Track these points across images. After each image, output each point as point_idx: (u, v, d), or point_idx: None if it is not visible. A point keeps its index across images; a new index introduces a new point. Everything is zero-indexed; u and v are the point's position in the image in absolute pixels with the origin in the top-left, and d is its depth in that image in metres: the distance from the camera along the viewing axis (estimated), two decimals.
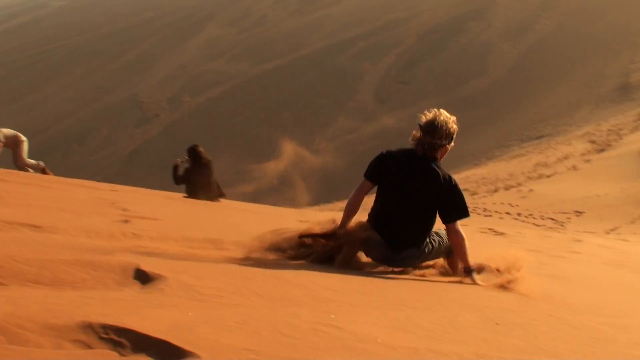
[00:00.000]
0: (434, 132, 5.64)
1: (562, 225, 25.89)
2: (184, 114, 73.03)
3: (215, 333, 3.18)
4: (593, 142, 39.80)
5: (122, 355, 2.87)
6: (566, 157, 36.99)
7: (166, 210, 9.15)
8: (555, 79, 62.21)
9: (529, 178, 35.17)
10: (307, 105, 68.55)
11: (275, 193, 52.93)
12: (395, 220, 5.80)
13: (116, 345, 2.93)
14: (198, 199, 12.43)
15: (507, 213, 28.68)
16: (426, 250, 5.94)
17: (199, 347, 2.91)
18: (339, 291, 4.69)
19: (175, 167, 12.93)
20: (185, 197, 12.82)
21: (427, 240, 5.93)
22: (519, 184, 33.81)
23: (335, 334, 3.47)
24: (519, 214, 28.47)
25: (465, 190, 33.53)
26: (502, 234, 16.61)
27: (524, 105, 58.31)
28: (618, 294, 7.05)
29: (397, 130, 61.62)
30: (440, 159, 5.80)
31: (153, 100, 76.89)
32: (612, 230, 23.07)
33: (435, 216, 5.92)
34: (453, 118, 5.73)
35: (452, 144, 5.83)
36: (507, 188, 33.32)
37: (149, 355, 2.86)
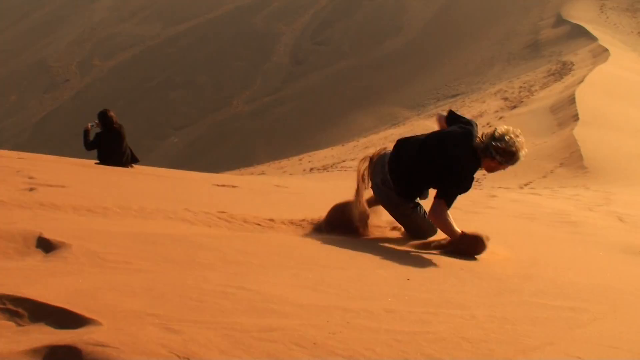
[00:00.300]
0: (508, 158, 5.55)
1: (479, 182, 26.45)
2: (95, 79, 70.88)
3: (119, 299, 3.09)
4: (506, 99, 40.64)
5: (19, 325, 2.79)
6: (481, 115, 37.66)
7: (75, 178, 8.84)
8: (467, 38, 63.16)
9: None
10: (223, 68, 67.64)
11: (196, 157, 52.40)
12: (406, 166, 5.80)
13: (13, 315, 2.86)
14: (110, 165, 12.10)
15: None
16: (404, 211, 5.96)
17: (100, 313, 2.82)
18: (252, 253, 4.64)
19: (86, 132, 12.52)
20: (97, 163, 12.46)
21: (413, 203, 5.95)
22: None
23: (244, 295, 3.41)
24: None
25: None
26: None
27: (438, 64, 59.05)
28: (527, 246, 7.22)
29: (315, 92, 61.68)
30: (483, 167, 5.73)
31: (62, 65, 74.24)
32: (525, 185, 23.64)
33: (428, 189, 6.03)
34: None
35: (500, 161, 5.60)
36: None
37: (47, 324, 2.78)
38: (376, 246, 5.70)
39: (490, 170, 5.68)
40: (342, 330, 3.02)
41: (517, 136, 5.53)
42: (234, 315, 3.05)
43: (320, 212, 6.33)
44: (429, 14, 71.91)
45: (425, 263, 5.19)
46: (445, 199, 5.62)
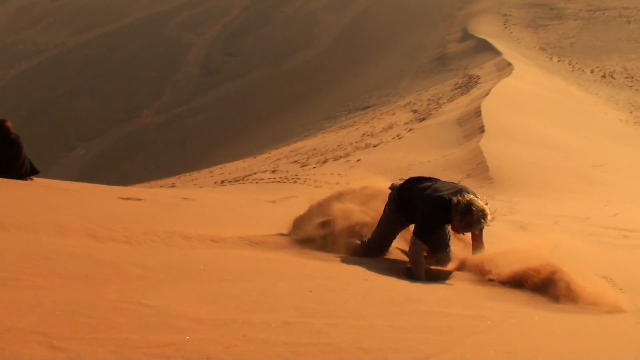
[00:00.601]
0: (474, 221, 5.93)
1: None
2: None
3: (3, 317, 2.94)
4: (415, 111, 41.40)
5: None
6: (391, 127, 38.25)
7: None
8: (378, 51, 64.12)
9: (357, 148, 36.03)
10: (132, 78, 66.35)
11: (105, 170, 51.08)
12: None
13: None
14: (7, 177, 11.61)
15: (337, 183, 29.17)
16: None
17: None
18: (152, 268, 4.53)
19: None
20: None
21: None
22: (347, 154, 34.55)
23: (140, 311, 3.32)
24: (348, 184, 28.99)
25: (296, 162, 33.94)
26: None
27: (349, 77, 59.68)
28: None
29: (226, 103, 61.28)
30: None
31: None
32: None
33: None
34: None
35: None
36: (336, 158, 33.96)
37: None
38: (281, 259, 5.67)
39: (455, 229, 6.11)
40: (238, 344, 2.98)
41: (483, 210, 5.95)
42: (127, 332, 2.96)
43: (226, 226, 6.26)
44: (339, 26, 72.64)
45: (328, 275, 5.19)
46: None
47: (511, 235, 10.49)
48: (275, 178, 28.13)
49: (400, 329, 3.62)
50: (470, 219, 5.82)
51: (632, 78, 52.04)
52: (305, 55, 67.35)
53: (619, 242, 9.65)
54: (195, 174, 37.12)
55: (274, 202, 15.89)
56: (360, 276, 5.20)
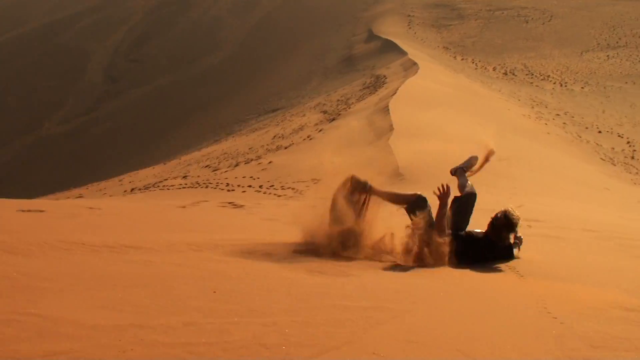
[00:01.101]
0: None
1: (301, 194, 26.73)
2: None
3: None
4: (325, 112, 41.62)
5: None
6: (301, 128, 38.34)
7: None
8: (285, 53, 64.24)
9: (268, 150, 35.94)
10: (32, 87, 64.22)
11: (7, 183, 49.14)
12: None
13: None
14: None
15: (250, 186, 29.03)
16: None
17: None
18: (47, 278, 4.36)
19: None
20: None
21: None
22: (259, 157, 34.42)
23: (32, 321, 3.18)
24: (260, 186, 28.92)
25: (207, 166, 33.57)
26: (241, 206, 16.75)
27: (258, 80, 59.54)
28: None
29: (133, 110, 60.11)
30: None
31: None
32: None
33: None
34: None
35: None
36: (247, 162, 33.77)
37: None
38: (185, 262, 5.56)
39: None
40: (135, 348, 2.88)
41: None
42: (15, 343, 2.82)
43: (132, 233, 6.11)
44: (245, 30, 72.35)
45: (234, 275, 5.12)
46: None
47: None
48: (186, 184, 27.73)
49: (303, 324, 3.59)
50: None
51: (532, 75, 53.95)
52: (212, 60, 66.79)
53: (523, 232, 9.89)
54: (103, 184, 36.20)
55: (184, 207, 15.62)
56: (267, 275, 5.14)
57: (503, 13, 68.26)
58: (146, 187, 29.75)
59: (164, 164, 39.86)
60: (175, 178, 29.56)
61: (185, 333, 3.21)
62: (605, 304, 4.99)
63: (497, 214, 6.91)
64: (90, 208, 13.27)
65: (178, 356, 2.85)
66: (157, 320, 3.40)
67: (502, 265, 6.49)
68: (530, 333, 4.14)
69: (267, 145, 37.51)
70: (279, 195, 26.41)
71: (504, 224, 6.82)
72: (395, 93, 36.10)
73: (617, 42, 62.85)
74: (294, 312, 3.88)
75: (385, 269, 6.06)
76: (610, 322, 4.47)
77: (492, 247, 6.79)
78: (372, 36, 60.31)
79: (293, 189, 27.63)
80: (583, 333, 4.17)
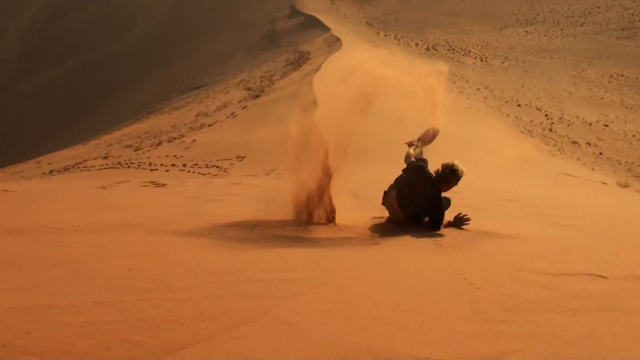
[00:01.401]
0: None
1: (226, 172, 26.51)
2: None
3: None
4: (249, 89, 41.32)
5: None
6: (225, 105, 37.98)
7: None
8: (206, 29, 63.34)
9: (192, 128, 35.48)
10: None
11: None
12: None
13: None
14: None
15: (173, 165, 28.62)
16: None
17: None
18: None
19: None
20: None
21: None
22: (182, 135, 33.93)
23: None
24: (184, 165, 28.55)
25: (129, 146, 32.92)
26: (163, 185, 16.50)
27: (179, 57, 58.58)
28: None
29: (49, 89, 58.28)
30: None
31: None
32: (271, 171, 24.10)
33: None
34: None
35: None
36: (170, 140, 33.25)
37: None
38: (101, 242, 5.42)
39: (447, 189, 7.47)
40: (41, 329, 2.78)
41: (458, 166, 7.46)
42: None
43: (42, 215, 5.93)
44: (165, 5, 70.92)
45: (150, 253, 5.02)
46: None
47: (347, 201, 10.72)
48: (107, 164, 27.12)
49: (219, 297, 3.55)
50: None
51: (454, 50, 54.76)
52: (131, 37, 65.30)
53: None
54: (20, 166, 35.07)
55: (104, 187, 15.28)
56: (183, 252, 5.06)
57: None
58: (65, 169, 28.99)
59: (84, 144, 38.87)
60: (95, 159, 28.87)
61: (94, 312, 3.12)
62: (519, 269, 5.12)
63: (443, 165, 7.51)
64: (4, 191, 12.84)
65: (87, 335, 2.76)
66: (66, 300, 3.30)
67: (422, 236, 6.59)
68: (447, 300, 4.20)
69: (191, 123, 37.01)
70: (204, 174, 26.12)
71: (448, 174, 7.40)
72: (319, 69, 36.09)
73: (535, 18, 64.39)
74: (210, 287, 3.82)
75: (307, 241, 6.07)
76: (523, 286, 4.58)
77: (430, 195, 7.38)
78: (295, 12, 60.05)
79: (218, 167, 27.38)
80: (497, 297, 4.26)
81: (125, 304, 3.29)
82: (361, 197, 11.70)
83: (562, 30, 61.53)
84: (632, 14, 65.24)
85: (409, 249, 5.93)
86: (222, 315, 3.24)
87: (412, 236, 6.59)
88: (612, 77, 51.22)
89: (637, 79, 50.86)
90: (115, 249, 5.11)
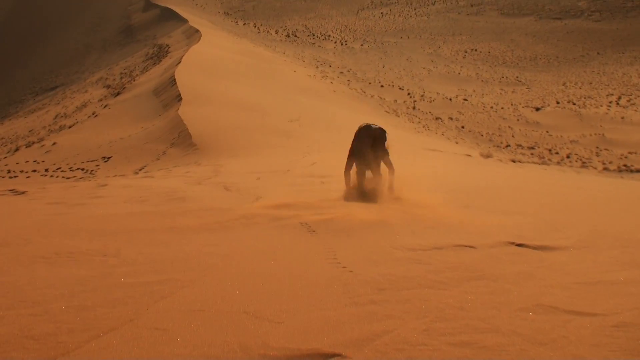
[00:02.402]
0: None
1: (92, 174, 25.58)
2: None
3: None
4: (108, 86, 40.07)
5: None
6: (85, 105, 36.64)
7: None
8: (56, 27, 60.87)
9: (51, 131, 34.05)
10: None
11: None
12: None
13: None
14: None
15: (34, 171, 27.34)
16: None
17: None
18: None
19: None
20: None
21: None
22: (41, 139, 32.49)
23: None
24: (46, 170, 27.34)
25: None
26: (23, 192, 15.66)
27: (29, 57, 55.98)
28: (118, 225, 7.01)
29: None
30: None
31: None
32: (140, 169, 23.50)
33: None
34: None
35: None
36: (28, 145, 31.76)
37: None
38: None
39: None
40: None
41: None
42: None
43: None
44: (7, 3, 67.50)
45: (3, 267, 4.66)
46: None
47: (219, 195, 10.55)
48: None
49: (79, 308, 3.32)
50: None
51: (313, 35, 55.27)
52: None
53: (316, 187, 10.13)
54: None
55: None
56: (42, 262, 4.74)
57: None
58: None
59: None
60: None
61: None
62: (391, 248, 5.15)
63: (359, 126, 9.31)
64: None
65: None
66: None
67: (295, 223, 6.53)
68: (321, 284, 4.15)
69: (49, 125, 35.51)
70: (68, 178, 25.09)
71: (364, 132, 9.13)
72: (179, 62, 35.47)
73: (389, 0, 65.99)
74: (70, 297, 3.58)
75: (174, 239, 5.87)
76: (395, 264, 4.61)
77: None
78: (149, 5, 58.73)
79: (83, 169, 26.38)
80: (370, 278, 4.25)
81: None
82: (232, 189, 11.56)
83: (415, 10, 63.41)
84: None
85: (282, 239, 5.86)
86: (82, 326, 3.03)
87: (281, 223, 6.53)
88: (466, 52, 53.37)
89: (489, 52, 53.25)
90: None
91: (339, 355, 3.08)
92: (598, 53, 53.40)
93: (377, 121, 31.92)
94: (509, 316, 3.50)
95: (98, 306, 3.36)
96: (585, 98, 41.69)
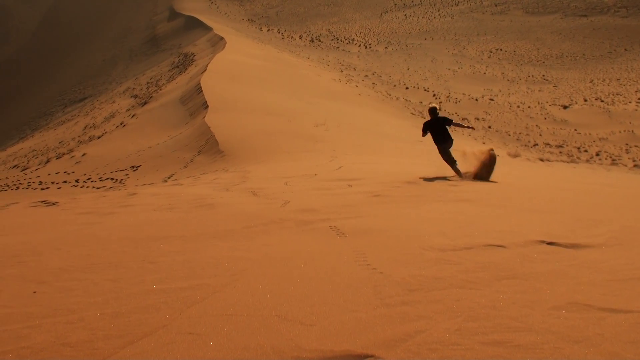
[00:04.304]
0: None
1: (121, 183, 25.86)
2: None
3: None
4: (136, 96, 40.46)
5: None
6: (113, 115, 37.03)
7: None
8: (84, 38, 61.67)
9: (80, 142, 34.46)
10: None
11: None
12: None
13: None
14: None
15: (65, 182, 27.72)
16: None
17: None
18: None
19: None
20: None
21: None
22: (71, 150, 32.92)
23: None
24: (77, 180, 27.71)
25: (16, 166, 31.57)
26: (55, 203, 15.86)
27: (58, 69, 56.75)
28: (149, 232, 7.07)
29: None
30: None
31: None
32: (168, 177, 23.68)
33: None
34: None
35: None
36: (59, 156, 32.19)
37: None
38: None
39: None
40: None
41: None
42: None
43: None
44: (37, 17, 68.50)
45: (36, 278, 4.73)
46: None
47: (247, 200, 10.60)
48: None
49: (113, 315, 3.36)
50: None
51: (337, 40, 55.31)
52: (4, 52, 62.74)
53: (344, 191, 10.13)
54: None
55: None
56: (76, 270, 4.80)
57: None
58: None
59: None
60: None
61: None
62: (420, 248, 5.14)
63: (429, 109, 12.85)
64: None
65: None
66: None
67: (324, 227, 6.54)
68: (351, 287, 4.15)
69: (79, 137, 35.93)
70: (98, 188, 25.39)
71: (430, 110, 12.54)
72: (205, 70, 35.70)
73: (413, 1, 65.87)
74: (104, 305, 3.62)
75: (204, 245, 5.91)
76: (426, 265, 4.60)
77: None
78: (174, 14, 59.17)
79: (112, 179, 26.67)
80: (400, 279, 4.24)
81: (8, 334, 3.06)
82: (260, 194, 11.61)
83: (439, 11, 63.21)
84: None
85: (309, 242, 5.87)
86: (117, 332, 3.07)
87: (310, 227, 6.54)
88: (491, 52, 53.06)
89: (514, 51, 52.88)
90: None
91: (371, 356, 3.08)
92: (625, 49, 52.85)
93: (403, 123, 31.89)
94: (541, 314, 3.48)
95: (132, 312, 3.40)
96: (613, 95, 41.25)
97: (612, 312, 3.48)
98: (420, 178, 11.26)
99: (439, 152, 12.63)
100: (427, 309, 3.59)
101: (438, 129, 12.55)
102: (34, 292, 4.08)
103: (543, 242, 5.30)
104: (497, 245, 5.14)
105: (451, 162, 12.40)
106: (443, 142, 12.56)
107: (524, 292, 3.91)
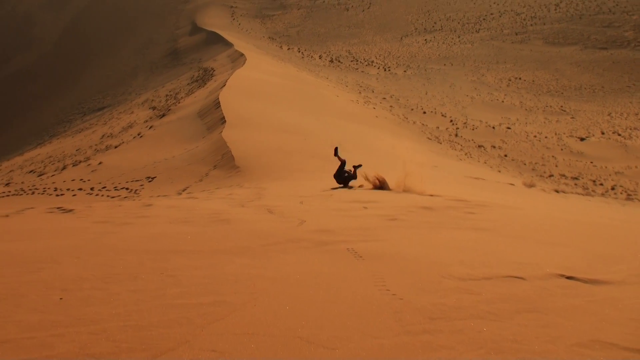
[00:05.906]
0: None
1: (136, 193, 25.92)
2: None
3: None
4: (154, 108, 40.68)
5: None
6: (130, 126, 37.21)
7: None
8: (105, 49, 62.13)
9: (97, 151, 34.63)
10: None
11: None
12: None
13: None
14: None
15: (80, 189, 27.83)
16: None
17: None
18: None
19: None
20: None
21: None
22: (88, 158, 33.07)
23: None
24: (92, 189, 27.81)
25: (32, 172, 31.76)
26: (70, 210, 15.93)
27: (79, 78, 57.17)
28: (166, 245, 7.08)
29: None
30: None
31: None
32: (183, 190, 23.72)
33: None
34: None
35: None
36: (75, 164, 32.34)
37: None
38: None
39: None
40: None
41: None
42: None
43: None
44: (60, 26, 69.13)
45: (56, 285, 4.75)
46: None
47: (263, 218, 10.59)
48: (9, 191, 26.12)
49: (136, 327, 3.36)
50: None
51: (357, 61, 55.42)
52: (26, 59, 63.31)
53: (360, 213, 10.11)
54: None
55: (7, 216, 14.65)
56: (97, 280, 4.82)
57: (324, 2, 69.78)
58: None
59: None
60: None
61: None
62: (439, 276, 5.12)
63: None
64: None
65: None
66: None
67: (341, 248, 6.53)
68: (371, 312, 4.14)
69: (96, 145, 36.10)
70: (113, 197, 25.46)
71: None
72: (224, 85, 35.85)
73: (433, 26, 66.01)
74: (126, 317, 3.63)
75: (221, 260, 5.91)
76: (446, 293, 4.58)
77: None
78: (196, 28, 59.61)
79: (127, 189, 26.75)
80: (421, 306, 4.23)
81: (33, 342, 3.07)
82: (275, 212, 11.61)
83: (459, 37, 63.35)
84: (524, 19, 67.80)
85: (328, 264, 5.86)
86: (140, 345, 3.07)
87: (327, 248, 6.54)
88: (510, 80, 53.05)
89: (533, 81, 52.86)
90: (17, 284, 4.82)
91: None
92: None
93: (419, 148, 31.82)
94: (565, 351, 3.45)
95: (154, 326, 3.41)
96: (631, 129, 41.09)
97: (637, 352, 3.45)
98: (433, 201, 11.21)
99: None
100: (450, 339, 3.58)
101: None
102: (60, 298, 4.11)
103: (562, 275, 5.27)
104: (517, 277, 5.12)
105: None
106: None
107: (545, 326, 3.89)
